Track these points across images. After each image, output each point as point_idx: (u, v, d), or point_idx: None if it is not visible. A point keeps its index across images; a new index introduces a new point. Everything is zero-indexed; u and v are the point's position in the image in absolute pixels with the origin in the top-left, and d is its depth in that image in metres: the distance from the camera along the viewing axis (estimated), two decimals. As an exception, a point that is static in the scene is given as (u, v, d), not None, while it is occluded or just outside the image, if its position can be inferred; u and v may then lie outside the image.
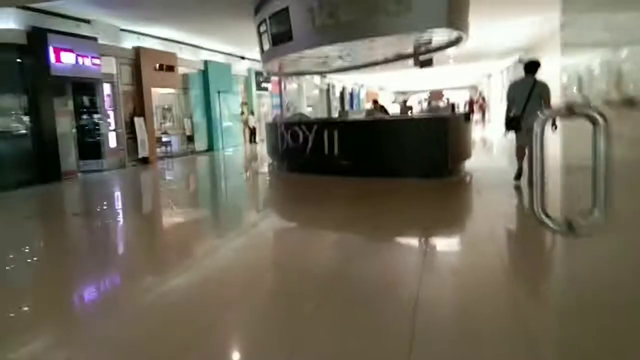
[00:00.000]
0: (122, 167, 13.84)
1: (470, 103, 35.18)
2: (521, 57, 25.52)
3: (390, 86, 49.12)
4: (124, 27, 13.92)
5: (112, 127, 13.76)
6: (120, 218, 7.47)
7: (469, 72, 37.03)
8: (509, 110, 7.26)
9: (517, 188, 7.35)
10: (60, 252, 5.62)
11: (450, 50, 13.00)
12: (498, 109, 35.63)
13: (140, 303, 3.75)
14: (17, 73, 10.85)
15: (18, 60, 10.85)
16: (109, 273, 4.67)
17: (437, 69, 20.00)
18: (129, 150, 14.21)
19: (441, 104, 33.80)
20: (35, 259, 5.41)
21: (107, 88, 13.57)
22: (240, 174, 13.08)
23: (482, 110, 34.22)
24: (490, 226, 5.42)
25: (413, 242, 5.31)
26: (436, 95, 50.31)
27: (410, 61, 14.65)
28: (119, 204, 9.15)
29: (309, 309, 3.38)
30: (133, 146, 14.36)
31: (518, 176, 7.53)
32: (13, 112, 10.85)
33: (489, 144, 16.11)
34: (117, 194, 10.63)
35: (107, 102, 13.63)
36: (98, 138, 13.47)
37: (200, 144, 18.47)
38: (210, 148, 18.85)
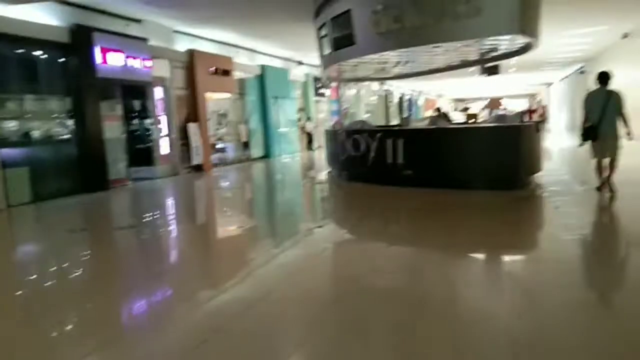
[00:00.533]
0: (175, 175, 13.30)
1: (530, 112, 33.89)
2: (582, 69, 24.92)
3: (448, 93, 47.99)
4: (177, 28, 13.44)
5: (165, 132, 13.25)
6: (171, 230, 7.13)
7: (527, 81, 36.83)
8: (585, 120, 7.41)
9: (599, 200, 7.15)
10: (105, 272, 5.05)
11: (514, 58, 12.51)
12: (557, 118, 34.48)
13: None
14: (60, 74, 10.28)
15: (61, 59, 10.32)
16: (161, 295, 4.28)
17: (497, 77, 19.35)
18: (182, 157, 13.65)
19: (501, 111, 32.60)
20: (77, 281, 4.79)
21: (159, 92, 13.08)
22: (298, 182, 12.53)
23: (543, 119, 32.70)
24: (580, 248, 4.99)
25: (495, 264, 4.78)
26: (494, 103, 48.96)
27: (473, 68, 14.27)
28: (169, 215, 8.66)
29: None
30: (186, 153, 13.79)
31: (600, 188, 7.45)
32: (56, 116, 10.32)
33: (553, 154, 14.85)
34: (168, 203, 10.16)
35: (159, 106, 13.14)
36: (149, 144, 12.96)
37: (256, 150, 17.86)
38: (267, 155, 18.24)
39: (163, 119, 13.23)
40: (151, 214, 8.71)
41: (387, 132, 9.94)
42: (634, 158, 10.06)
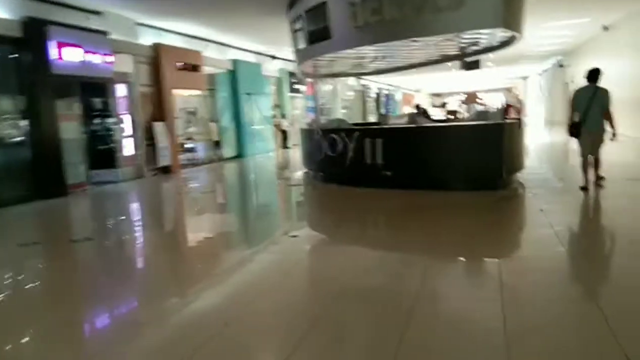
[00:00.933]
0: (140, 178, 12.51)
1: (507, 107, 33.77)
2: (560, 61, 25.02)
3: (425, 88, 47.87)
4: (140, 21, 12.61)
5: (129, 132, 12.44)
6: (132, 241, 6.59)
7: (505, 74, 37.04)
8: (572, 116, 7.50)
9: (584, 199, 7.07)
10: (56, 294, 4.51)
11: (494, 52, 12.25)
12: (535, 113, 34.70)
13: None
14: (12, 71, 9.42)
15: (13, 55, 9.45)
16: (117, 320, 3.86)
17: (475, 71, 19.11)
18: (147, 158, 12.86)
19: (481, 107, 32.49)
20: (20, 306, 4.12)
21: (122, 89, 12.27)
22: (272, 184, 11.86)
23: (519, 114, 32.63)
24: (562, 247, 4.84)
25: (476, 266, 4.65)
26: (472, 97, 48.90)
27: (451, 62, 14.16)
28: (131, 223, 7.96)
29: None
30: (152, 154, 13.00)
31: (585, 188, 7.39)
32: (8, 116, 9.43)
33: (533, 150, 14.44)
34: (131, 209, 9.49)
35: (123, 104, 12.33)
36: (112, 145, 12.12)
37: (229, 150, 17.08)
38: (240, 154, 17.50)
39: (127, 118, 12.40)
40: (111, 222, 8.04)
41: (366, 131, 9.53)
42: (619, 154, 9.80)
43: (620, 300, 3.43)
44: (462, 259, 4.85)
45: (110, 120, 12.15)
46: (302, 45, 10.82)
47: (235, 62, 17.16)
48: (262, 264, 5.06)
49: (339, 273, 4.44)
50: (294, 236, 6.01)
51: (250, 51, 18.21)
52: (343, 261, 4.89)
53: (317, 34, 9.98)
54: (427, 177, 8.40)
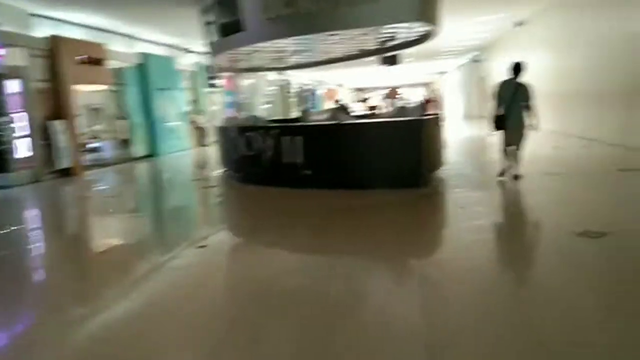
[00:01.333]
0: (37, 182, 11.36)
1: (427, 101, 34.57)
2: (475, 57, 25.85)
3: (348, 83, 48.15)
4: (34, 11, 11.46)
5: (23, 132, 11.26)
6: (25, 249, 6.05)
7: (425, 70, 37.75)
8: (496, 109, 7.62)
9: (502, 185, 7.50)
10: None
11: (413, 47, 11.97)
12: (453, 107, 35.85)
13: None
14: None
15: None
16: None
17: (396, 66, 19.27)
18: (45, 160, 11.71)
19: (401, 103, 32.94)
20: None
21: (14, 85, 11.07)
22: (186, 185, 11.05)
23: (438, 108, 33.53)
24: (482, 244, 4.86)
25: (396, 265, 4.54)
26: (392, 93, 49.74)
27: (372, 58, 13.85)
28: (21, 234, 6.91)
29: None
30: (50, 155, 11.84)
31: (502, 173, 7.77)
32: None
33: (453, 145, 14.58)
34: (24, 217, 8.47)
35: (16, 101, 11.12)
36: (3, 147, 10.92)
37: (140, 148, 16.02)
38: (152, 153, 16.51)
39: (20, 117, 11.22)
40: (1, 233, 7.08)
41: (284, 128, 9.22)
42: (536, 149, 9.98)
43: (539, 297, 3.49)
44: (383, 259, 4.70)
45: (1, 119, 10.93)
46: (214, 37, 10.23)
47: (145, 55, 16.18)
48: (172, 273, 4.71)
49: (258, 277, 4.31)
50: (202, 246, 5.46)
51: (162, 44, 17.30)
52: (262, 265, 4.72)
53: (230, 27, 9.41)
54: (348, 176, 8.13)
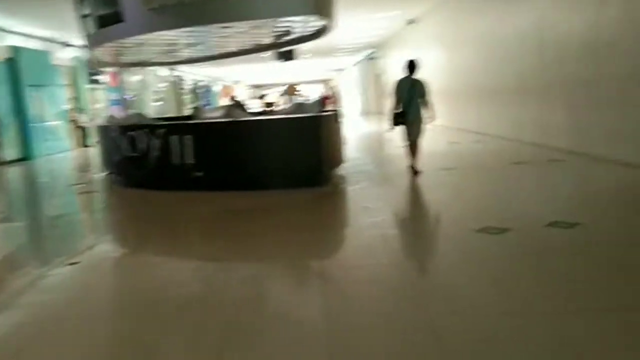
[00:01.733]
0: None
1: (325, 98, 34.95)
2: (370, 54, 26.55)
3: (245, 79, 47.61)
4: None
5: None
6: None
7: (322, 66, 38.12)
8: (395, 106, 7.73)
9: (405, 192, 7.38)
10: None
11: (309, 43, 11.83)
12: (350, 103, 36.63)
13: None
14: None
15: None
16: None
17: (293, 62, 19.25)
18: None
19: (300, 99, 32.97)
20: None
21: None
22: (64, 190, 10.04)
23: (336, 104, 34.09)
24: (385, 242, 4.73)
25: (302, 273, 4.26)
26: (290, 89, 49.85)
27: (268, 53, 13.83)
28: None
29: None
30: None
31: (416, 172, 7.77)
32: None
33: (351, 141, 14.68)
34: None
35: None
36: None
37: (10, 151, 14.48)
38: (26, 156, 15.01)
39: None
40: None
41: (172, 127, 8.63)
42: (430, 144, 10.13)
43: (440, 294, 3.45)
44: (282, 262, 4.50)
45: None
46: (91, 29, 9.26)
47: (15, 49, 14.69)
48: (46, 290, 4.17)
49: (147, 289, 3.97)
50: (74, 263, 4.74)
51: (36, 37, 15.76)
52: (150, 276, 4.34)
53: (108, 18, 8.56)
54: (244, 176, 7.71)
